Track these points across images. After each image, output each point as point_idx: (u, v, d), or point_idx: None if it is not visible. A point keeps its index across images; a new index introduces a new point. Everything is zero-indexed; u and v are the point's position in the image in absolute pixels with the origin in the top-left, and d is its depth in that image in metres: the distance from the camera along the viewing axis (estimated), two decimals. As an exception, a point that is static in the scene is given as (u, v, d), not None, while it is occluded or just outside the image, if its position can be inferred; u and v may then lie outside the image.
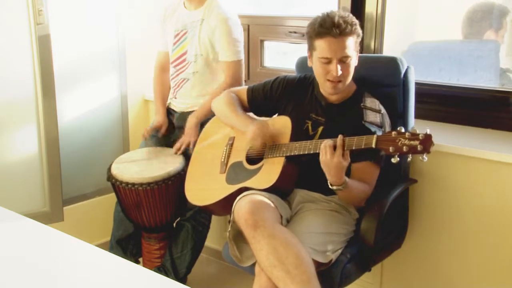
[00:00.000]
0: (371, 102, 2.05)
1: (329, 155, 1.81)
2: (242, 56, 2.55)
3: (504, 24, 2.34)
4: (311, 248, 1.82)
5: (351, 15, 1.99)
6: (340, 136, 1.82)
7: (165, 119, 2.70)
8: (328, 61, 1.96)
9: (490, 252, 2.17)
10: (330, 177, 1.85)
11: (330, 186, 1.88)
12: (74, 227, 2.83)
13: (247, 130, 2.10)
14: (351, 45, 1.97)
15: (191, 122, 2.53)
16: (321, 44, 1.96)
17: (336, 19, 1.93)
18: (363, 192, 1.96)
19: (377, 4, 2.49)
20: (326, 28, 1.93)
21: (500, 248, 2.14)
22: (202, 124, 2.48)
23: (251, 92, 2.27)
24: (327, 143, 1.83)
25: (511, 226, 2.10)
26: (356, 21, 1.99)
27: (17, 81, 2.65)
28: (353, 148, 1.81)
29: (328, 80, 1.99)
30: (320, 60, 1.98)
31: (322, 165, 1.84)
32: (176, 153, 2.53)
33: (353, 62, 2.00)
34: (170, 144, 2.63)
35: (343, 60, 1.96)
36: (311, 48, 2.04)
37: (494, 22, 2.36)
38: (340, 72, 1.95)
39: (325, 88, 2.04)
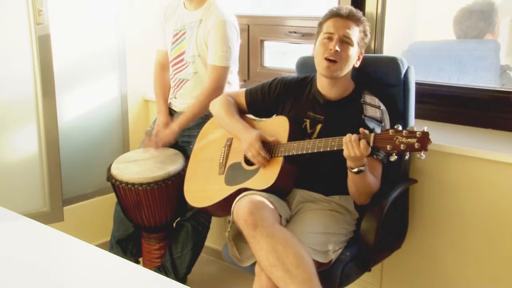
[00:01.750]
0: (370, 99, 2.06)
1: (357, 150, 1.79)
2: (230, 63, 2.52)
3: (497, 22, 2.34)
4: (311, 248, 1.82)
5: None
6: (361, 129, 1.81)
7: (168, 118, 2.70)
8: (330, 37, 2.01)
9: (490, 252, 2.17)
10: (352, 164, 1.86)
11: (350, 170, 1.87)
12: (74, 227, 2.83)
13: (242, 138, 2.11)
14: (355, 34, 2.02)
15: (173, 129, 2.56)
16: (327, 24, 2.05)
17: (349, 6, 2.07)
18: (374, 183, 1.96)
19: (377, 4, 2.49)
20: (336, 10, 2.05)
21: (500, 248, 2.14)
22: (201, 126, 2.47)
23: (249, 94, 2.27)
24: (352, 137, 1.80)
25: (511, 226, 2.10)
26: (366, 20, 2.08)
27: (17, 81, 2.65)
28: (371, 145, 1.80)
29: (325, 58, 2.01)
30: (323, 37, 2.03)
31: (346, 157, 1.83)
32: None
33: (353, 52, 2.02)
34: (170, 144, 2.63)
35: (344, 40, 2.00)
36: (317, 34, 2.08)
37: (487, 21, 2.36)
38: (337, 49, 1.98)
39: (320, 69, 2.05)
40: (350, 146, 1.80)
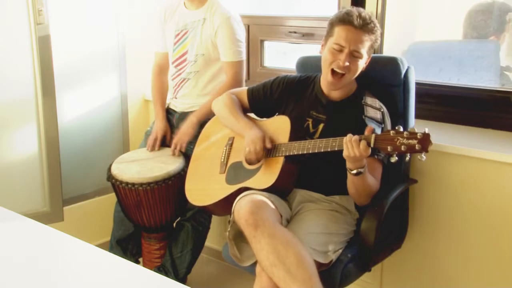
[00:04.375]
0: (371, 101, 2.06)
1: (356, 150, 1.78)
2: (244, 57, 2.55)
3: (507, 23, 2.34)
4: (311, 248, 1.82)
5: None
6: (369, 127, 1.81)
7: (166, 124, 2.69)
8: (340, 49, 1.98)
9: (490, 252, 2.17)
10: (352, 165, 1.85)
11: (349, 172, 1.87)
12: (74, 227, 2.83)
13: (245, 135, 2.11)
14: (366, 44, 1.99)
15: (191, 120, 2.54)
16: (339, 31, 1.98)
17: (363, 13, 1.99)
18: (374, 184, 1.95)
19: (377, 4, 2.49)
20: (351, 16, 1.97)
21: (500, 248, 2.14)
22: (202, 124, 2.48)
23: (251, 92, 2.27)
24: (352, 137, 1.80)
25: (511, 225, 2.10)
26: (379, 27, 2.03)
27: (17, 81, 2.65)
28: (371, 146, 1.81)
29: (332, 69, 1.99)
30: (332, 47, 1.99)
31: (346, 157, 1.83)
32: (173, 154, 2.53)
33: (362, 63, 2.01)
34: (169, 144, 2.63)
35: (353, 54, 1.97)
36: (328, 35, 2.04)
37: (496, 22, 2.36)
38: (347, 64, 1.96)
39: (327, 79, 2.04)
40: (350, 146, 1.79)
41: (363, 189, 1.94)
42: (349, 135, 1.81)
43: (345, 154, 1.82)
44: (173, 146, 2.55)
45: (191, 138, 2.51)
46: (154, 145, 2.63)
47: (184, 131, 2.54)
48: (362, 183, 1.91)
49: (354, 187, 1.94)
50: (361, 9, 2.02)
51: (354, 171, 1.86)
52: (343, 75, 1.99)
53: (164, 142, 2.67)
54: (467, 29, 2.44)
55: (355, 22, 1.95)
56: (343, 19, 1.99)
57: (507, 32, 2.34)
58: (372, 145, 1.77)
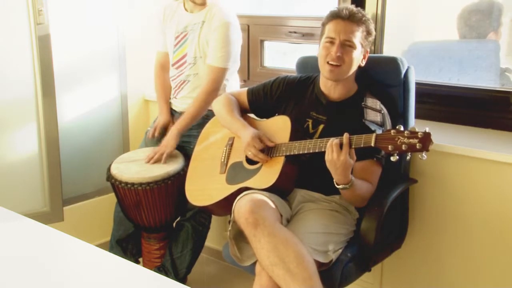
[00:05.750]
0: (372, 102, 2.06)
1: (335, 153, 1.80)
2: (228, 66, 2.52)
3: (502, 23, 2.34)
4: (311, 248, 1.82)
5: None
6: (346, 134, 1.81)
7: (169, 118, 2.71)
8: (331, 42, 2.00)
9: (491, 251, 2.17)
10: (337, 176, 1.85)
11: (336, 186, 1.87)
12: (74, 227, 2.83)
13: (241, 136, 2.11)
14: (358, 35, 2.00)
15: (172, 132, 2.53)
16: (329, 26, 2.03)
17: (351, 7, 2.04)
18: (367, 192, 1.96)
19: (377, 4, 2.49)
20: (338, 11, 2.03)
21: (500, 248, 2.14)
22: (201, 126, 2.47)
23: (251, 93, 2.28)
24: (333, 141, 1.82)
25: (511, 226, 2.10)
26: (369, 18, 2.05)
27: (17, 81, 2.65)
28: (353, 146, 1.81)
29: (328, 62, 2.01)
30: (324, 41, 2.02)
31: (328, 164, 1.83)
32: (148, 162, 2.47)
33: (357, 54, 2.02)
34: (173, 148, 2.62)
35: (346, 44, 1.99)
36: (321, 35, 2.08)
37: (492, 21, 2.36)
38: (338, 54, 1.97)
39: (323, 72, 2.05)
40: (330, 150, 1.80)
41: (354, 199, 1.97)
42: (332, 139, 1.82)
43: (326, 158, 1.82)
44: (152, 153, 2.49)
45: (172, 150, 2.49)
46: (153, 133, 2.64)
47: (166, 143, 2.52)
48: (351, 194, 1.91)
49: (345, 196, 1.96)
50: (349, 5, 2.06)
51: (340, 187, 1.86)
52: (339, 67, 2.00)
53: (165, 135, 2.67)
54: (462, 30, 2.45)
55: (342, 14, 2.01)
56: (332, 15, 2.04)
57: (504, 27, 2.34)
58: (373, 144, 1.77)
